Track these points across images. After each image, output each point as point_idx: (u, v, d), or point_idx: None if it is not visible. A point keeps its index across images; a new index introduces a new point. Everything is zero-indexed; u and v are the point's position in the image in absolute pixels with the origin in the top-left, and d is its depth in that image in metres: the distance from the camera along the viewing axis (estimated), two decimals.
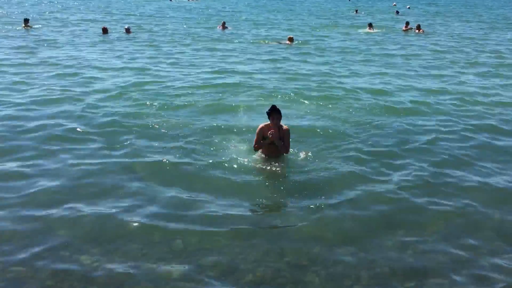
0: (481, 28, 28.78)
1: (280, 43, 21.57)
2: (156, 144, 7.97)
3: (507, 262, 4.85)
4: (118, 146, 7.87)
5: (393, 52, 19.07)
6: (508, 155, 7.77)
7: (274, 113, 6.74)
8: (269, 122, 6.86)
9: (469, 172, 7.03)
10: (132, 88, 12.01)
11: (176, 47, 20.07)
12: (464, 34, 25.82)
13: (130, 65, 15.32)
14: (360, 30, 27.30)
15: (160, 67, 15.27)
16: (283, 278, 4.57)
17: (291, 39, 21.69)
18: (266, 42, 22.20)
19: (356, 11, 40.26)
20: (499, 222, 5.67)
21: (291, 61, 16.97)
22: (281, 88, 12.28)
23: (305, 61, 16.90)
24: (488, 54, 18.63)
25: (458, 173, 6.97)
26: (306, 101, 10.95)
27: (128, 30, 24.19)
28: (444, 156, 7.57)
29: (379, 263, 4.79)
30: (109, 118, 9.28)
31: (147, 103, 10.53)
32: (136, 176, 6.75)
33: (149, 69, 14.79)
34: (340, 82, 13.24)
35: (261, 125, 7.00)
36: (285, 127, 6.96)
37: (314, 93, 11.76)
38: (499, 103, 11.04)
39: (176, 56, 17.69)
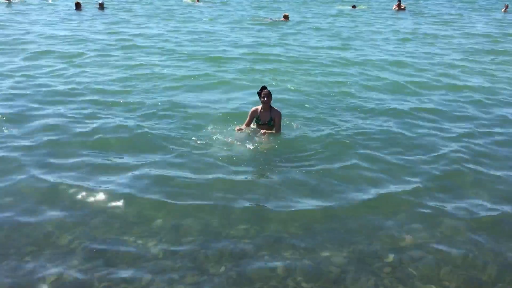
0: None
1: (275, 20, 21.44)
2: (129, 119, 7.87)
3: None
4: (89, 121, 7.73)
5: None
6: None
7: (264, 93, 6.93)
8: (260, 106, 7.11)
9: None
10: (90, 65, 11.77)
11: (151, 23, 19.60)
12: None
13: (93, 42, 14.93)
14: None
15: (132, 43, 14.94)
16: (263, 252, 4.56)
17: (286, 17, 21.56)
18: (261, 19, 21.94)
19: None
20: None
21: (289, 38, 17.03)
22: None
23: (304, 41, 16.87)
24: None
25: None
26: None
27: (101, 6, 23.49)
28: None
29: (359, 241, 4.83)
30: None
31: (115, 80, 10.41)
32: (114, 152, 6.65)
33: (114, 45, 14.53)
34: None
35: (253, 108, 7.28)
36: (277, 110, 7.14)
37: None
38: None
39: (151, 32, 17.28)
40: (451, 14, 25.68)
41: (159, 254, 4.51)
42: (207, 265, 4.37)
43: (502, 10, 28.29)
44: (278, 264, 4.41)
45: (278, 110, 7.18)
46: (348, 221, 5.18)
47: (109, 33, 16.73)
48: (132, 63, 12.15)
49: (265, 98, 6.94)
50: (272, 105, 7.13)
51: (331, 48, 15.18)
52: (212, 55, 13.39)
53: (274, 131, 7.13)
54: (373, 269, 4.39)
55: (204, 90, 9.91)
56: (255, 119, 7.21)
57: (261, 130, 7.04)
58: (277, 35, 17.54)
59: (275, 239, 4.80)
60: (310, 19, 22.86)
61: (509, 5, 28.48)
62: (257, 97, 7.22)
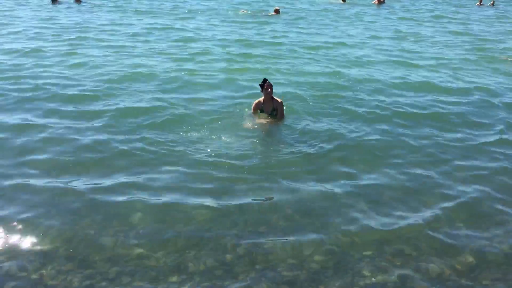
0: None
1: (267, 14, 21.43)
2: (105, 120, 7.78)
3: None
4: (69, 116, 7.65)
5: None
6: None
7: (266, 85, 7.39)
8: (262, 98, 7.56)
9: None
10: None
11: (130, 17, 19.31)
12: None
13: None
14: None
15: (108, 39, 14.64)
16: (244, 249, 4.58)
17: (277, 11, 21.43)
18: (249, 12, 21.88)
19: None
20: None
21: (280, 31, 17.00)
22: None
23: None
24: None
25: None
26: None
27: None
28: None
29: (340, 233, 4.89)
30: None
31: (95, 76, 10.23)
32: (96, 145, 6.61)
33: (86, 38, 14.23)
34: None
35: (255, 101, 7.74)
36: (278, 100, 7.58)
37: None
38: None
39: (130, 27, 17.03)
40: (430, 10, 25.94)
41: (139, 252, 4.48)
42: (188, 263, 4.38)
43: (477, 4, 28.79)
44: (260, 258, 4.44)
45: (279, 99, 7.61)
46: (329, 212, 5.25)
47: (83, 27, 16.32)
48: (108, 59, 11.91)
49: (268, 90, 7.39)
50: (273, 96, 7.55)
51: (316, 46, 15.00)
52: (190, 52, 13.19)
53: (277, 120, 7.56)
54: (353, 261, 4.47)
55: (191, 87, 9.76)
56: (258, 111, 7.64)
57: (266, 120, 7.47)
58: (267, 30, 17.37)
59: (257, 233, 4.82)
60: (298, 12, 22.79)
61: None
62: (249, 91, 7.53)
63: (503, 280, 4.34)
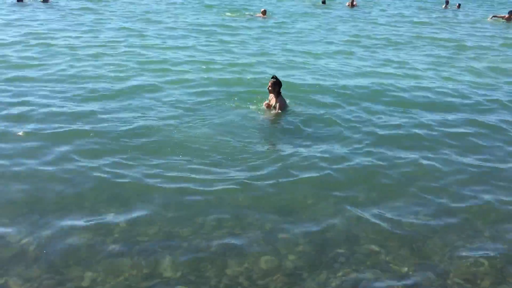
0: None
1: (253, 16, 21.33)
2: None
3: None
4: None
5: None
6: None
7: (271, 81, 7.90)
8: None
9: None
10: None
11: (101, 19, 18.92)
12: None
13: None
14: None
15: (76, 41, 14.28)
16: (218, 247, 4.56)
17: (264, 12, 21.44)
18: (238, 15, 21.74)
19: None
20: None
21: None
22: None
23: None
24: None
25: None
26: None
27: None
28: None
29: (316, 232, 4.93)
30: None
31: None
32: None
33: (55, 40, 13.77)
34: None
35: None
36: (281, 98, 7.99)
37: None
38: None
39: (100, 30, 16.68)
40: (403, 15, 26.44)
41: (111, 256, 4.41)
42: (161, 267, 4.33)
43: (443, 6, 29.52)
44: (234, 260, 4.42)
45: (284, 99, 8.02)
46: (303, 212, 5.28)
47: (46, 29, 15.75)
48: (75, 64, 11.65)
49: (268, 86, 7.91)
50: (282, 95, 8.00)
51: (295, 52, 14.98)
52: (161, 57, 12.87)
53: (274, 114, 7.94)
54: (327, 259, 4.51)
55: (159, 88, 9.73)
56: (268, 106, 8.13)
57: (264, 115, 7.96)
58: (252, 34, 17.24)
59: (232, 235, 4.81)
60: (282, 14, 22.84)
61: (453, 2, 29.79)
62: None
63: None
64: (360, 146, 7.07)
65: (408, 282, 4.30)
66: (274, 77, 7.95)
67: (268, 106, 8.04)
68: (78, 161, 6.13)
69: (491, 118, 8.69)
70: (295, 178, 5.95)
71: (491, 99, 9.91)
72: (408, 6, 29.14)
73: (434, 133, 7.81)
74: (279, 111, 7.95)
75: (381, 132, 7.71)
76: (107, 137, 6.87)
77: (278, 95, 7.96)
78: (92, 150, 6.47)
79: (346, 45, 15.44)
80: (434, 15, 24.70)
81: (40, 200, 5.23)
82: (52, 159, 6.18)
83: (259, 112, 8.12)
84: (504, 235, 5.08)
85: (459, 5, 29.56)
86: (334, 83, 10.45)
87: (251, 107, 8.38)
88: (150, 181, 5.69)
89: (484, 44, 16.62)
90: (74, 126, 7.23)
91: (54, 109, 7.95)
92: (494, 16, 23.86)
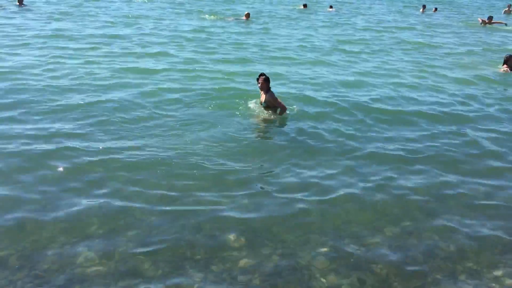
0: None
1: (238, 19, 21.37)
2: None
3: None
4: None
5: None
6: None
7: (259, 78, 8.06)
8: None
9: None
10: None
11: (77, 22, 18.70)
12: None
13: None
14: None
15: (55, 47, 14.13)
16: (199, 253, 4.56)
17: (247, 15, 21.43)
18: (221, 17, 21.72)
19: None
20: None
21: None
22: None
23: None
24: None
25: None
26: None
27: (20, 2, 22.13)
28: None
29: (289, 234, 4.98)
30: None
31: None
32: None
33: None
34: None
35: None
36: (270, 92, 8.10)
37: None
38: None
39: (81, 33, 16.51)
40: (379, 20, 26.72)
41: (90, 258, 4.39)
42: (142, 268, 4.32)
43: (420, 10, 30.05)
44: (215, 261, 4.44)
45: (272, 92, 8.11)
46: (284, 213, 5.31)
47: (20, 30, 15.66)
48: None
49: (258, 83, 8.09)
50: (271, 90, 8.12)
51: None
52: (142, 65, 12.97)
53: (271, 111, 8.17)
54: (308, 260, 4.55)
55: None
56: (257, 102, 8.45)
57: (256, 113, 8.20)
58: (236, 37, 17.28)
59: (212, 237, 4.82)
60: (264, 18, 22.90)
61: (430, 6, 30.33)
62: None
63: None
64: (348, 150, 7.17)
65: (388, 284, 4.34)
66: (262, 74, 8.09)
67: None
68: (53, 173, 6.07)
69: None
70: (273, 185, 5.93)
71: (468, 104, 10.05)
72: (386, 11, 29.59)
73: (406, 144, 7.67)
74: (278, 109, 8.12)
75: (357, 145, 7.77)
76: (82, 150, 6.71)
77: (267, 91, 8.09)
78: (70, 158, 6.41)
79: (325, 49, 15.61)
80: (411, 20, 25.09)
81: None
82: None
83: (249, 114, 8.21)
84: None
85: (436, 9, 30.14)
86: (314, 90, 10.48)
87: (236, 112, 8.37)
88: (133, 188, 5.67)
89: (460, 48, 16.97)
90: (51, 142, 6.98)
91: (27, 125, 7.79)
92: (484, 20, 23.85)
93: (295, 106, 8.73)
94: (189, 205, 5.37)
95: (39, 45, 13.41)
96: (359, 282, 4.31)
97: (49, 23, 17.61)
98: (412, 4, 34.49)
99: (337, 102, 9.43)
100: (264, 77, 8.03)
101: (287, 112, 8.25)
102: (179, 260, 4.45)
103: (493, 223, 5.39)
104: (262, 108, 8.27)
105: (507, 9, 31.06)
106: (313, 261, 4.54)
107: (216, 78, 10.83)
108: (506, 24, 23.44)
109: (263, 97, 8.19)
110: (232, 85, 10.32)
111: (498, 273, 4.53)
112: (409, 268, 4.55)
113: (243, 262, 4.48)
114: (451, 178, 6.43)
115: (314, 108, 8.94)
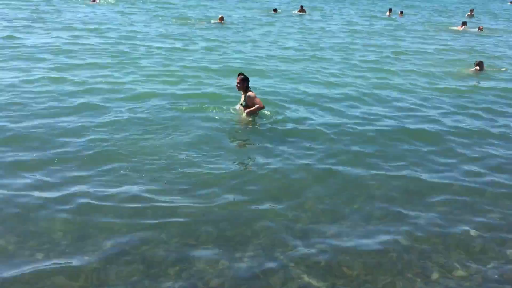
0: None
1: (212, 22, 21.35)
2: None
3: None
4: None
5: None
6: None
7: (238, 77, 7.96)
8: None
9: None
10: None
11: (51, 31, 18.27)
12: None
13: None
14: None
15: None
16: (171, 261, 4.52)
17: (221, 19, 21.40)
18: (197, 21, 21.64)
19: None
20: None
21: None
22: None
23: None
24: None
25: None
26: None
27: None
28: None
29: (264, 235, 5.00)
30: None
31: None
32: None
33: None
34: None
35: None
36: (250, 92, 8.04)
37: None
38: None
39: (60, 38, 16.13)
40: (348, 22, 27.10)
41: (60, 268, 4.29)
42: (111, 276, 4.26)
43: (387, 14, 30.56)
44: (187, 267, 4.41)
45: (251, 92, 8.05)
46: (256, 217, 5.32)
47: None
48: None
49: (236, 83, 8.00)
50: (251, 89, 8.08)
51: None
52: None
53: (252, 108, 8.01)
54: (284, 258, 4.59)
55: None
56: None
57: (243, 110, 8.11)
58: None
59: (183, 245, 4.79)
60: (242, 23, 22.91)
61: (395, 10, 30.92)
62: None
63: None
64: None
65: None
66: (241, 73, 7.98)
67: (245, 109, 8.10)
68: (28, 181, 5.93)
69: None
70: (244, 192, 5.90)
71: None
72: (354, 14, 30.09)
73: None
74: (252, 108, 7.98)
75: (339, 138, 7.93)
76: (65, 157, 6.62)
77: (246, 91, 8.01)
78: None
79: (297, 51, 15.80)
80: (378, 23, 25.59)
81: None
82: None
83: (230, 117, 8.24)
84: None
85: (402, 12, 30.80)
86: (291, 87, 10.78)
87: (216, 116, 8.31)
88: (96, 195, 5.60)
89: (426, 49, 17.42)
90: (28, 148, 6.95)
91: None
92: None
93: (270, 111, 8.67)
94: (159, 211, 5.31)
95: None
96: (331, 283, 4.36)
97: None
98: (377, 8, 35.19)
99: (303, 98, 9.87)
100: (241, 76, 7.91)
101: (265, 112, 8.29)
102: (148, 268, 4.39)
103: (463, 219, 5.55)
104: (243, 109, 8.14)
105: (469, 13, 32.08)
106: (287, 262, 4.57)
107: (191, 83, 10.82)
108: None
109: (242, 97, 8.12)
110: (210, 89, 10.28)
111: (467, 272, 4.64)
112: (382, 266, 4.62)
113: (215, 267, 4.45)
114: (419, 174, 6.63)
115: (295, 110, 9.08)
